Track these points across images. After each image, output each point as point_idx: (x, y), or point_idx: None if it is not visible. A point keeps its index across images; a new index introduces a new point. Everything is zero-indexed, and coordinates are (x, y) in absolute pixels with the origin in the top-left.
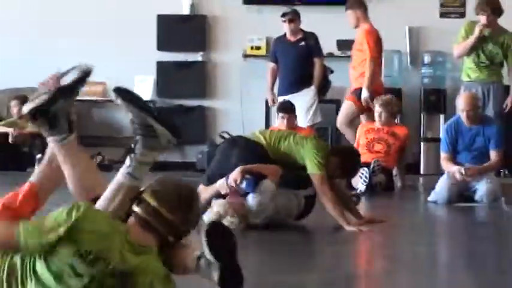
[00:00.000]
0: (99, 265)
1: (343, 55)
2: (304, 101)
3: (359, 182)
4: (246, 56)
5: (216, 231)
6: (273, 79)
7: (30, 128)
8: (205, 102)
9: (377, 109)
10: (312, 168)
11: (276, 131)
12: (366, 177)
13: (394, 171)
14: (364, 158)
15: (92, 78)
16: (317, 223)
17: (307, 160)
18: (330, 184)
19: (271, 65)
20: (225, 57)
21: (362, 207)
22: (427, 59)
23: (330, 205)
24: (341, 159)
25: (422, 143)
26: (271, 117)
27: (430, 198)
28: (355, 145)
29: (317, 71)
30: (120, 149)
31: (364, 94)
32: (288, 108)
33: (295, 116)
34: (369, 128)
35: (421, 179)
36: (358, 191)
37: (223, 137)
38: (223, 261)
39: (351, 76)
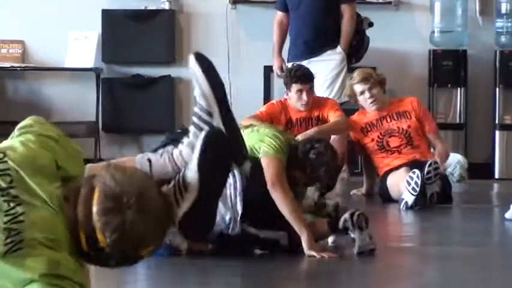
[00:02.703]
0: None
1: (381, 1)
2: (326, 69)
3: (405, 191)
4: (235, 1)
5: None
6: (281, 36)
7: None
8: (174, 71)
9: (358, 90)
10: (267, 151)
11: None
12: (416, 184)
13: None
14: (388, 166)
15: (5, 34)
16: None
17: (261, 144)
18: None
19: (279, 15)
20: (203, 4)
21: (409, 228)
22: (505, 6)
23: (287, 207)
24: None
25: (497, 133)
26: (273, 93)
27: (508, 216)
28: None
29: (346, 24)
30: None
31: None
32: (307, 75)
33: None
34: (364, 123)
35: (495, 186)
36: (403, 203)
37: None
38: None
39: None
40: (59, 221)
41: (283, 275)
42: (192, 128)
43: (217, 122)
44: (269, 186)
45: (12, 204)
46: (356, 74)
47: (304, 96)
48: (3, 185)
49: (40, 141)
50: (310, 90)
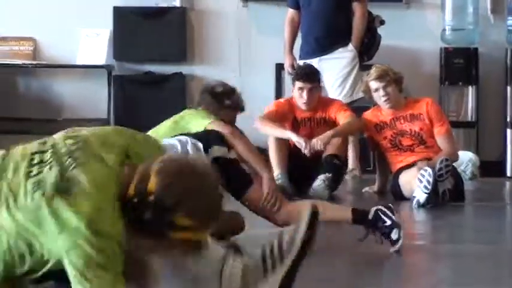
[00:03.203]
0: None
1: None
2: (338, 66)
3: (417, 188)
4: None
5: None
6: (292, 34)
7: None
8: (185, 69)
9: (373, 87)
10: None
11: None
12: (428, 181)
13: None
14: (402, 162)
15: (15, 31)
16: None
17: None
18: None
19: (291, 12)
20: (215, 1)
21: (422, 226)
22: None
23: (248, 147)
24: None
25: (508, 130)
26: (285, 91)
27: None
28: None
29: (358, 22)
30: None
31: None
32: (310, 74)
33: (320, 87)
34: (379, 121)
35: (507, 184)
36: (415, 201)
37: None
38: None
39: None
40: (111, 174)
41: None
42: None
43: (282, 269)
44: (229, 138)
45: (70, 160)
46: (373, 71)
47: (304, 95)
48: (71, 146)
49: (116, 129)
50: (313, 91)
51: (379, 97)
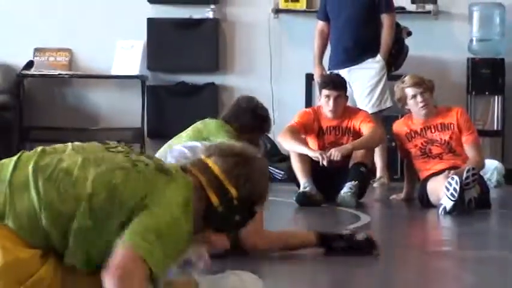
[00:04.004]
0: None
1: (420, 10)
2: (366, 77)
3: (444, 195)
4: (278, 11)
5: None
6: (322, 45)
7: None
8: (218, 79)
9: (410, 93)
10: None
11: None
12: (455, 189)
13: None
14: (430, 170)
15: (53, 43)
16: None
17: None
18: None
19: (320, 24)
20: (247, 13)
21: (448, 233)
22: None
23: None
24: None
25: None
26: (314, 101)
27: None
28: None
29: (386, 34)
30: None
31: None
32: (336, 82)
33: (347, 97)
34: (410, 131)
35: None
36: (442, 208)
37: None
38: None
39: None
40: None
41: (306, 278)
42: None
43: None
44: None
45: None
46: (408, 78)
47: (331, 103)
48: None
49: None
50: (339, 99)
51: (416, 103)
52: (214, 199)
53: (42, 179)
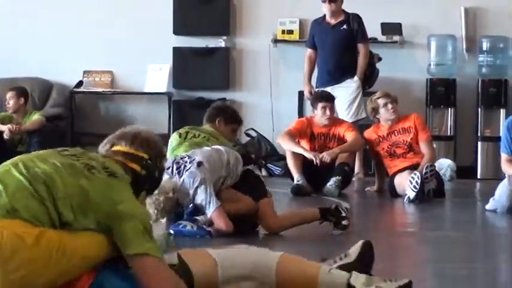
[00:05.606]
0: None
1: (388, 40)
2: (346, 93)
3: (408, 187)
4: (276, 41)
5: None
6: (310, 68)
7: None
8: (229, 95)
9: (382, 102)
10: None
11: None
12: (416, 182)
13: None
14: (396, 167)
15: (98, 66)
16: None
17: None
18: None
19: (309, 51)
20: (251, 43)
21: (411, 217)
22: (485, 45)
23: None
24: None
25: (479, 143)
26: (305, 112)
27: (488, 207)
28: (373, 160)
29: (361, 59)
30: None
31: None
32: (329, 97)
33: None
34: (378, 136)
35: (477, 185)
36: (406, 198)
37: (249, 135)
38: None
39: None
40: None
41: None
42: None
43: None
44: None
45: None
46: (379, 92)
47: (328, 112)
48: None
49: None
50: (332, 108)
51: (387, 110)
52: (136, 167)
53: (25, 170)
